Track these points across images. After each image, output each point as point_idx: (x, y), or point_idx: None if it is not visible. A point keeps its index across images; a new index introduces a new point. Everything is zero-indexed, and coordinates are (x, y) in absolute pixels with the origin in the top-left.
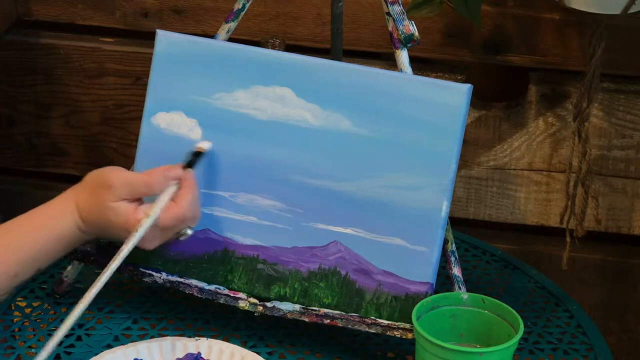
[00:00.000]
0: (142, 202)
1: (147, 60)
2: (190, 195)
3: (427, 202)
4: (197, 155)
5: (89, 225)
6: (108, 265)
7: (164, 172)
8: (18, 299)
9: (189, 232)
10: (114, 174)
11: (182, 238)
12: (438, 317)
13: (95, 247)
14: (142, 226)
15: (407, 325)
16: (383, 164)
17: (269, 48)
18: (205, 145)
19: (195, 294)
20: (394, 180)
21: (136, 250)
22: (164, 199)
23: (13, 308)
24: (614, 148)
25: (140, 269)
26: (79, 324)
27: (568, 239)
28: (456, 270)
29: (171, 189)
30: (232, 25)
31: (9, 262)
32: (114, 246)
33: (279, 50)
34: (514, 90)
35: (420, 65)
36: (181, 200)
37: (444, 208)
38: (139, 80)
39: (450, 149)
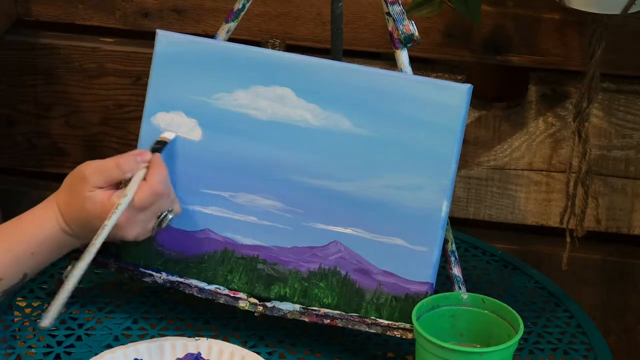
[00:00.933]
0: (115, 190)
1: (147, 60)
2: (160, 172)
3: (427, 202)
4: (161, 143)
5: (71, 223)
6: (87, 247)
7: (134, 154)
8: (18, 298)
9: (170, 216)
10: (85, 166)
11: (164, 225)
12: (438, 317)
13: None
14: (122, 203)
15: (407, 325)
16: (383, 164)
17: (269, 48)
18: (169, 136)
19: (195, 294)
20: (394, 180)
21: (136, 249)
22: (136, 180)
23: (13, 308)
24: (614, 148)
25: (140, 269)
26: (79, 324)
27: (568, 239)
28: (456, 270)
29: (142, 172)
30: (232, 25)
31: None
32: (113, 244)
33: (279, 50)
34: (514, 90)
35: (420, 65)
36: (151, 177)
37: (444, 208)
38: (139, 80)
39: (450, 149)
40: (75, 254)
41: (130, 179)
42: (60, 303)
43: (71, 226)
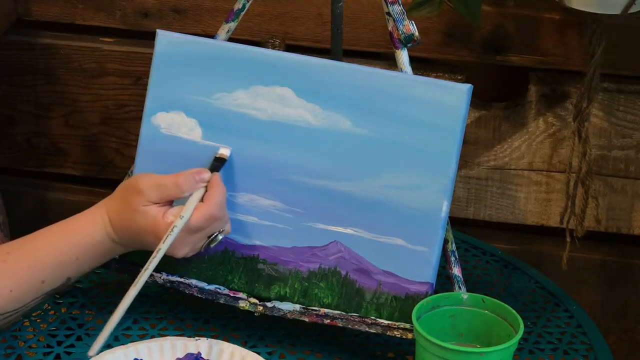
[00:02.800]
0: (171, 207)
1: (147, 60)
2: (219, 195)
3: (427, 202)
4: (220, 161)
5: (119, 232)
6: (144, 267)
7: (193, 173)
8: None
9: (220, 237)
10: (142, 179)
11: (213, 245)
12: (438, 317)
13: None
14: (176, 226)
15: (407, 325)
16: (383, 164)
17: (269, 48)
18: (226, 152)
19: (195, 294)
20: (394, 180)
21: (137, 250)
22: (194, 199)
23: None
24: (614, 148)
25: (141, 269)
26: (78, 324)
27: (568, 239)
28: (456, 270)
29: (200, 191)
30: (232, 25)
31: (37, 268)
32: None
33: (279, 50)
34: (514, 90)
35: (420, 65)
36: (210, 200)
37: (444, 208)
38: (139, 80)
39: (450, 149)
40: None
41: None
42: (109, 330)
43: (119, 235)
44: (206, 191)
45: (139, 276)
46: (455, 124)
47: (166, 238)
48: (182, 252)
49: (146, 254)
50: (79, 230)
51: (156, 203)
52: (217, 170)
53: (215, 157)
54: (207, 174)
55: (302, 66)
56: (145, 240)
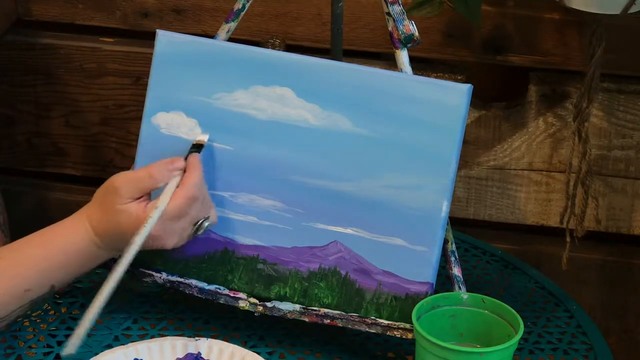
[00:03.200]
0: (150, 200)
1: (147, 60)
2: (196, 176)
3: (427, 202)
4: (197, 147)
5: (102, 236)
6: (121, 256)
7: (166, 163)
8: None
9: (206, 223)
10: (116, 177)
11: (201, 232)
12: (438, 317)
13: None
14: (152, 216)
15: (407, 325)
16: (383, 164)
17: (269, 48)
18: (204, 138)
19: (195, 294)
20: (394, 180)
21: (140, 250)
22: (170, 188)
23: None
24: (614, 148)
25: (140, 269)
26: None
27: (568, 239)
28: (456, 270)
29: (176, 179)
30: (232, 25)
31: (20, 276)
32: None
33: (279, 50)
34: (514, 90)
35: (420, 65)
36: (186, 182)
37: (444, 208)
38: (139, 80)
39: (450, 149)
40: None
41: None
42: (85, 328)
43: (103, 239)
44: (184, 172)
45: (113, 270)
46: (455, 124)
47: (141, 230)
48: (171, 241)
49: (147, 254)
50: (62, 237)
51: (135, 199)
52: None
53: (193, 144)
54: (180, 162)
55: (302, 66)
56: (129, 239)
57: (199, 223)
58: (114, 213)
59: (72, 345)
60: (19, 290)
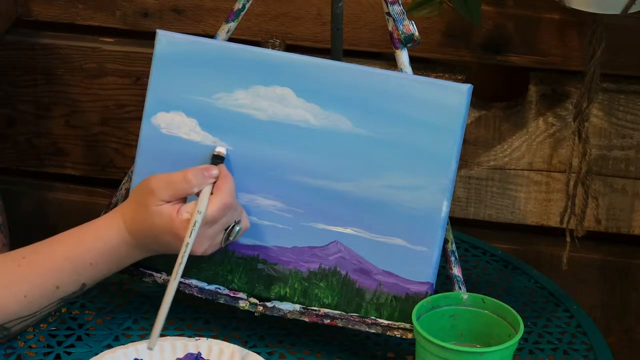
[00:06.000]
0: (184, 203)
1: (147, 60)
2: (229, 184)
3: (427, 202)
4: (219, 158)
5: (135, 235)
6: (174, 269)
7: (201, 169)
8: None
9: (237, 227)
10: (153, 178)
11: (232, 238)
12: (438, 317)
13: None
14: (197, 221)
15: (407, 325)
16: (383, 164)
17: (269, 48)
18: (222, 150)
19: (195, 294)
20: (394, 180)
21: None
22: (206, 193)
23: None
24: (614, 148)
25: (141, 269)
26: (79, 324)
27: (568, 239)
28: (456, 270)
29: (210, 187)
30: (232, 25)
31: (51, 273)
32: None
33: (279, 50)
34: (514, 90)
35: (420, 65)
36: (220, 190)
37: (444, 208)
38: (139, 80)
39: (450, 149)
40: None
41: (197, 193)
42: (160, 325)
43: (135, 238)
44: (216, 181)
45: (173, 272)
46: (455, 124)
47: (190, 233)
48: (202, 248)
49: (153, 258)
50: (94, 235)
51: (169, 201)
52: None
53: (214, 155)
54: (215, 170)
55: (302, 66)
56: (162, 240)
57: (230, 227)
58: (148, 214)
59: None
60: (49, 286)
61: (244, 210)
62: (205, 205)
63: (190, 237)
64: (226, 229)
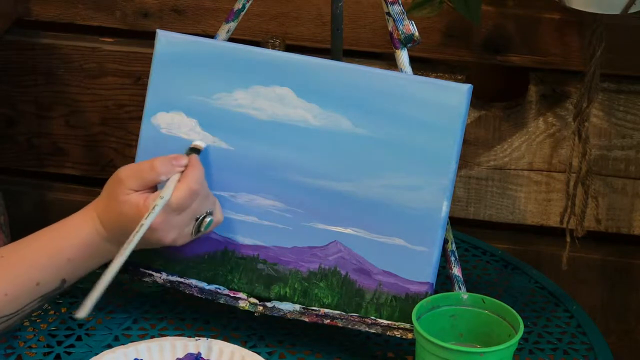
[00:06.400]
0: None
1: (147, 60)
2: (197, 172)
3: (427, 202)
4: (195, 151)
5: (108, 227)
6: (122, 247)
7: (169, 158)
8: None
9: (208, 219)
10: (121, 169)
11: (203, 229)
12: (438, 317)
13: None
14: (157, 205)
15: (407, 325)
16: (383, 164)
17: (269, 48)
18: (201, 144)
19: (195, 294)
20: (394, 180)
21: (141, 249)
22: (173, 180)
23: None
24: (614, 148)
25: (140, 269)
26: (79, 324)
27: (568, 239)
28: (456, 270)
29: (177, 175)
30: (232, 25)
31: (31, 270)
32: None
33: (279, 50)
34: (514, 90)
35: (420, 65)
36: (187, 176)
37: (444, 208)
38: (139, 80)
39: (450, 149)
40: None
41: (165, 182)
42: (95, 297)
43: (108, 231)
44: (185, 169)
45: (121, 249)
46: (455, 124)
47: (148, 215)
48: (170, 236)
49: (147, 253)
50: (70, 230)
51: (137, 191)
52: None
53: (190, 148)
54: (184, 159)
55: (302, 66)
56: (132, 230)
57: (200, 218)
58: (117, 203)
59: (84, 308)
60: (30, 283)
61: (219, 203)
62: (169, 192)
63: (146, 219)
64: (197, 219)
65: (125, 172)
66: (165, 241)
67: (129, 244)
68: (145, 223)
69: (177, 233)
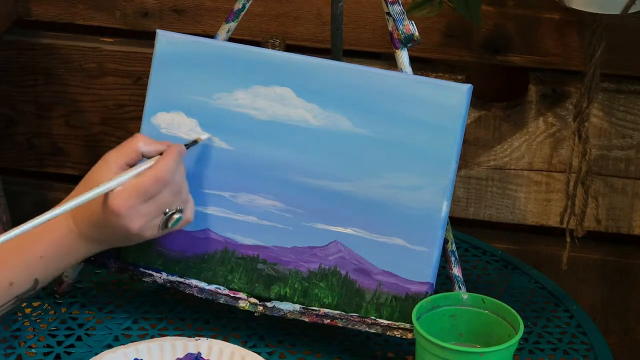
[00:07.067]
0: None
1: (147, 60)
2: (170, 159)
3: (427, 202)
4: (193, 142)
5: (79, 220)
6: (68, 201)
7: (144, 137)
8: None
9: (177, 215)
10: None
11: (171, 225)
12: (438, 317)
13: None
14: (120, 176)
15: (407, 325)
16: (383, 164)
17: (269, 48)
18: (203, 137)
19: (195, 294)
20: (394, 180)
21: (136, 249)
22: (144, 163)
23: None
24: (614, 148)
25: (140, 269)
26: (79, 324)
27: (568, 239)
28: (456, 270)
29: (151, 160)
30: (232, 25)
31: (3, 269)
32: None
33: (279, 50)
34: (514, 90)
35: (420, 65)
36: (159, 163)
37: (444, 208)
38: (139, 80)
39: (450, 149)
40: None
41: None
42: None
43: (80, 227)
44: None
45: (63, 202)
46: (455, 124)
47: (107, 182)
48: (135, 224)
49: (147, 253)
50: (41, 227)
51: (117, 168)
52: (184, 150)
53: (191, 141)
54: (163, 146)
55: (302, 66)
56: (100, 220)
57: (169, 213)
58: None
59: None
60: (2, 283)
61: (194, 202)
62: (132, 173)
63: (102, 185)
64: (165, 213)
65: (109, 153)
66: (132, 227)
67: (74, 201)
68: (99, 188)
69: (143, 222)
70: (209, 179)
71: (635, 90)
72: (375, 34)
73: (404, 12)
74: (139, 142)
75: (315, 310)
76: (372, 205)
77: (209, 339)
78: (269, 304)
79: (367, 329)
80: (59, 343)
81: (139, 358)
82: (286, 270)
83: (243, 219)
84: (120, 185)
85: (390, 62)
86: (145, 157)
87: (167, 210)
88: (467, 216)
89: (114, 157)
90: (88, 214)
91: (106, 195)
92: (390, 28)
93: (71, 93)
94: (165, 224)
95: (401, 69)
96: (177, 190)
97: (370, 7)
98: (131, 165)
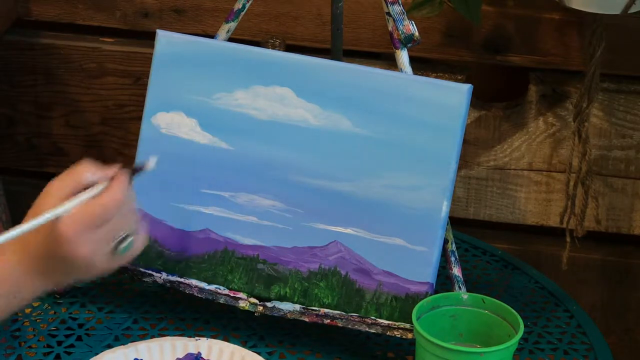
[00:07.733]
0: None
1: (147, 60)
2: (122, 185)
3: (427, 202)
4: (138, 170)
5: (23, 256)
6: (15, 228)
7: (89, 165)
8: None
9: (129, 239)
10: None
11: (122, 248)
12: (438, 317)
13: None
14: (67, 204)
15: (407, 325)
16: (383, 164)
17: (269, 48)
18: (151, 163)
19: (195, 294)
20: (394, 180)
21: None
22: (90, 191)
23: None
24: (614, 148)
25: (140, 269)
26: (79, 324)
27: (568, 239)
28: (456, 270)
29: (102, 186)
30: (232, 25)
31: None
32: None
33: (279, 50)
34: (514, 90)
35: (420, 65)
36: (111, 188)
37: (444, 208)
38: (139, 80)
39: (450, 149)
40: None
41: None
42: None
43: (22, 258)
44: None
45: (10, 230)
46: (455, 124)
47: (53, 210)
48: (83, 249)
49: (147, 254)
50: None
51: (64, 193)
52: (132, 175)
53: (137, 166)
54: (109, 171)
55: (302, 66)
56: (45, 247)
57: (120, 237)
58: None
59: None
60: None
61: (144, 228)
62: (81, 199)
63: (48, 211)
64: (115, 239)
65: (51, 183)
66: (77, 253)
67: (21, 228)
68: (47, 214)
69: (92, 247)
70: (209, 179)
71: (635, 90)
72: (375, 34)
73: (404, 12)
74: (85, 173)
75: (315, 310)
76: (372, 205)
77: (209, 339)
78: (269, 304)
79: (367, 329)
80: (59, 343)
81: (139, 358)
82: (286, 270)
83: (243, 219)
84: (68, 212)
85: (390, 62)
86: (89, 185)
87: (117, 236)
88: (467, 216)
89: (57, 187)
90: (33, 244)
91: (53, 222)
92: (390, 28)
93: (71, 93)
94: (116, 248)
95: (401, 69)
96: (127, 215)
97: (370, 7)
98: (74, 181)
